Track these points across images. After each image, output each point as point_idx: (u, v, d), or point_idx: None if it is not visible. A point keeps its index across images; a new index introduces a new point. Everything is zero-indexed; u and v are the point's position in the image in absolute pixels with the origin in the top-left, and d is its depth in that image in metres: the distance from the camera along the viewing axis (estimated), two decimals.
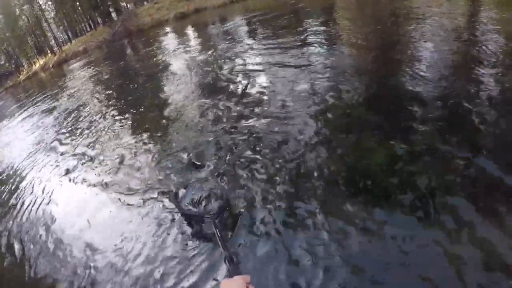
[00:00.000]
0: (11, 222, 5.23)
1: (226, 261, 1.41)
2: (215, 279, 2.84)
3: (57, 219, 4.78)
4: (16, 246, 4.55)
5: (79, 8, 36.87)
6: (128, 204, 4.34)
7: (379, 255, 2.60)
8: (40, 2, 38.57)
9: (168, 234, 3.56)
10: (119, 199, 4.53)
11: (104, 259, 3.58)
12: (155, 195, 4.29)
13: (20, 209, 5.51)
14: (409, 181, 3.19)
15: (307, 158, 3.93)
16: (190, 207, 3.73)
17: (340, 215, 3.05)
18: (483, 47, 5.45)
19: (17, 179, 6.77)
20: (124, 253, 3.53)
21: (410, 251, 2.55)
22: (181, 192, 4.07)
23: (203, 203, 3.72)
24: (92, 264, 3.58)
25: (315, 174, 3.64)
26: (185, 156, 4.91)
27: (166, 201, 4.06)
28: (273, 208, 3.39)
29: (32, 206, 5.39)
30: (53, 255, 4.03)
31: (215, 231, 2.73)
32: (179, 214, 3.72)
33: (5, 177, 7.25)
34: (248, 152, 4.41)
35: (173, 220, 3.72)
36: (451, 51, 5.65)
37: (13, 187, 6.48)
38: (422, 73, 5.09)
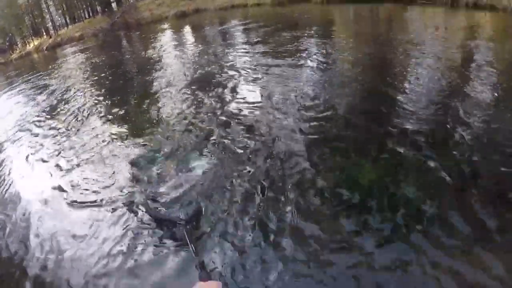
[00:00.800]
0: None
1: (198, 268, 1.28)
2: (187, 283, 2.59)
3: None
4: None
5: None
6: (92, 203, 4.14)
7: (349, 268, 2.65)
8: None
9: (137, 236, 3.37)
10: (82, 194, 4.38)
11: (63, 260, 3.36)
12: (124, 194, 4.11)
13: None
14: (393, 198, 3.28)
15: (290, 167, 3.93)
16: (162, 209, 3.56)
17: (317, 228, 3.04)
18: (474, 75, 5.89)
19: None
20: (85, 255, 3.33)
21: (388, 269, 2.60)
22: (153, 193, 3.86)
23: (176, 207, 3.53)
24: (46, 264, 3.36)
25: (297, 185, 3.62)
26: (161, 152, 4.83)
27: (137, 201, 3.90)
28: (249, 217, 3.29)
29: None
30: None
31: (186, 237, 2.73)
32: (149, 217, 3.58)
33: None
34: (230, 158, 4.34)
35: (142, 222, 3.57)
36: (441, 75, 6.04)
37: None
38: (409, 96, 5.40)
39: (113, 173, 4.65)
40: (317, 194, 3.48)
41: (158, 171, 4.35)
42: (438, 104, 5.06)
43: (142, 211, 3.68)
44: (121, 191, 4.18)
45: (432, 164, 3.67)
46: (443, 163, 3.65)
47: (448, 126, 4.38)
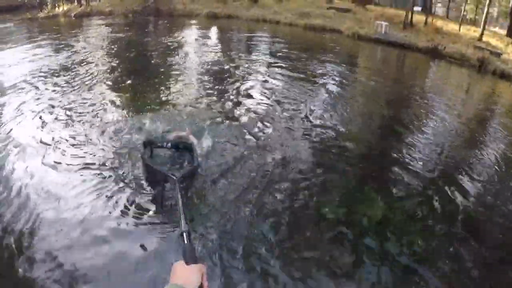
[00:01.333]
0: None
1: (183, 236, 1.20)
2: (169, 261, 2.53)
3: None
4: None
5: None
6: (87, 165, 4.05)
7: None
8: None
9: (123, 195, 3.31)
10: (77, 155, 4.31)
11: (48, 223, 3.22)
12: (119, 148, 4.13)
13: None
14: (400, 237, 3.26)
15: (293, 186, 3.94)
16: (157, 163, 3.49)
17: (310, 252, 3.04)
18: (486, 136, 5.89)
19: None
20: (68, 216, 3.22)
21: None
22: (152, 143, 3.81)
23: (172, 162, 3.53)
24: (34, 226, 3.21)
25: (296, 208, 3.63)
26: (170, 125, 4.87)
27: (135, 154, 3.85)
28: (245, 203, 3.28)
29: None
30: None
31: (177, 195, 2.58)
32: (143, 166, 3.51)
33: None
34: (234, 153, 4.37)
35: (134, 178, 3.54)
36: (454, 128, 6.12)
37: None
38: (420, 139, 5.54)
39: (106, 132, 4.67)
40: (314, 219, 3.46)
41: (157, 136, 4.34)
42: (445, 152, 5.07)
43: (139, 163, 3.61)
44: (115, 150, 4.19)
45: (431, 207, 3.64)
46: (443, 209, 3.61)
47: (454, 175, 4.39)
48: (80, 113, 5.53)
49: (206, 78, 7.65)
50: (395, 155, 4.96)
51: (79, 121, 5.21)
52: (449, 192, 4.05)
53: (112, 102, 5.95)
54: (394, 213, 3.62)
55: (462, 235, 3.35)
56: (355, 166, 4.56)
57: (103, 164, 3.98)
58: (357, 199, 3.80)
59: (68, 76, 7.71)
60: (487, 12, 18.70)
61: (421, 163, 4.72)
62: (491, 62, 12.76)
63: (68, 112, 5.54)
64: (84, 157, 4.18)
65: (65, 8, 35.53)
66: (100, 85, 6.99)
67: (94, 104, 5.85)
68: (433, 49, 14.27)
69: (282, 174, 4.12)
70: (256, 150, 4.54)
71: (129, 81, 7.33)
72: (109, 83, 7.13)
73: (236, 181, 3.76)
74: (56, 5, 38.83)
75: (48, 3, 39.77)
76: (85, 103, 5.93)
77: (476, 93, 9.78)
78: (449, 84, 10.45)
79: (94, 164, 4.01)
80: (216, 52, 10.79)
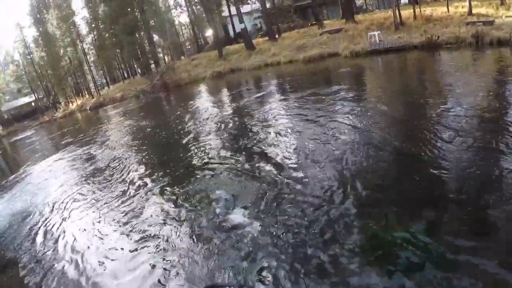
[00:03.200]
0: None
1: None
2: None
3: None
4: None
5: (119, 56, 39.44)
6: None
7: None
8: (84, 46, 41.51)
9: None
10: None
11: None
12: None
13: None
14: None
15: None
16: None
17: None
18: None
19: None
20: None
21: None
22: None
23: None
24: None
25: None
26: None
27: None
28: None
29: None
30: None
31: None
32: None
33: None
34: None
35: None
36: (475, 138, 5.77)
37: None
38: (441, 159, 5.26)
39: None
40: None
41: None
42: (471, 169, 4.78)
43: None
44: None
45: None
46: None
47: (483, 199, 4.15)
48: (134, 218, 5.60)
49: (229, 151, 7.78)
50: (416, 180, 4.82)
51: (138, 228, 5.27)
52: None
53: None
54: None
55: None
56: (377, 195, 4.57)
57: None
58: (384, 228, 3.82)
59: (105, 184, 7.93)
60: None
61: (445, 184, 4.57)
62: (486, 34, 12.62)
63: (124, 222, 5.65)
64: None
65: (79, 103, 37.57)
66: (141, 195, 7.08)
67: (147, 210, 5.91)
68: (428, 43, 14.21)
69: None
70: None
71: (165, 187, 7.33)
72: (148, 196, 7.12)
73: None
74: (69, 101, 41.20)
75: (61, 101, 42.26)
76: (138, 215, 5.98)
77: (484, 70, 9.56)
78: (457, 71, 10.17)
79: None
80: (231, 117, 10.99)
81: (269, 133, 8.16)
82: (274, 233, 4.34)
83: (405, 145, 5.94)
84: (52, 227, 6.48)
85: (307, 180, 5.43)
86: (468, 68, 10.23)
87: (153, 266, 4.35)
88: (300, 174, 5.67)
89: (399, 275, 3.21)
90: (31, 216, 7.38)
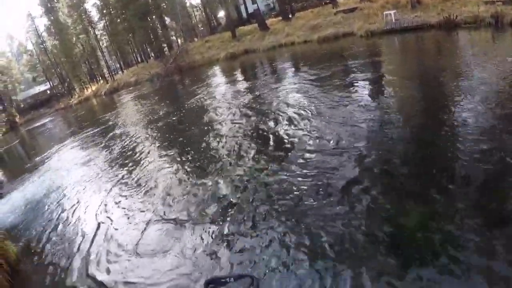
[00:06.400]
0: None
1: None
2: None
3: None
4: None
5: (132, 41, 39.30)
6: None
7: None
8: (97, 33, 41.48)
9: None
10: None
11: None
12: None
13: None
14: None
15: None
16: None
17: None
18: None
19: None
20: None
21: None
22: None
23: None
24: None
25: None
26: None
27: None
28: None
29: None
30: None
31: None
32: None
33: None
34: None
35: None
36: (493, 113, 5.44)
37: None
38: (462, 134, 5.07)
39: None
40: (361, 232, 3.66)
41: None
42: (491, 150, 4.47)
43: None
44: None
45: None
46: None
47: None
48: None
49: (243, 135, 7.61)
50: (435, 162, 4.63)
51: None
52: None
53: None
54: None
55: None
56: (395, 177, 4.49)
57: None
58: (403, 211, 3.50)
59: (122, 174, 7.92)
60: None
61: (464, 165, 4.38)
62: (506, 14, 11.89)
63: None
64: None
65: (94, 89, 37.78)
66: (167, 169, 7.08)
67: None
68: (446, 22, 13.51)
69: None
70: None
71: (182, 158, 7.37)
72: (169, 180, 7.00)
73: None
74: (84, 87, 41.45)
75: (75, 88, 42.55)
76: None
77: (505, 52, 8.93)
78: (478, 53, 9.52)
79: None
80: (246, 99, 10.70)
81: (291, 118, 7.75)
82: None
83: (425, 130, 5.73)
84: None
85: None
86: (489, 50, 9.61)
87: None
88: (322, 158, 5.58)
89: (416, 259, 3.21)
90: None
